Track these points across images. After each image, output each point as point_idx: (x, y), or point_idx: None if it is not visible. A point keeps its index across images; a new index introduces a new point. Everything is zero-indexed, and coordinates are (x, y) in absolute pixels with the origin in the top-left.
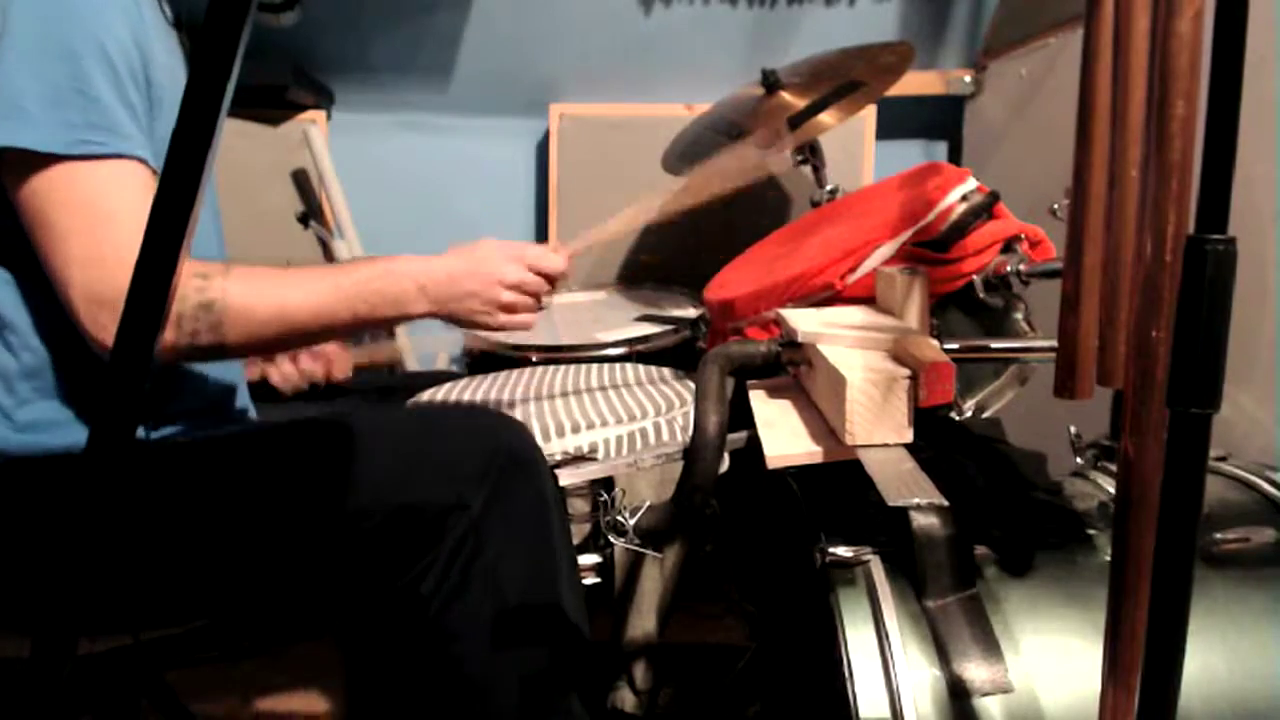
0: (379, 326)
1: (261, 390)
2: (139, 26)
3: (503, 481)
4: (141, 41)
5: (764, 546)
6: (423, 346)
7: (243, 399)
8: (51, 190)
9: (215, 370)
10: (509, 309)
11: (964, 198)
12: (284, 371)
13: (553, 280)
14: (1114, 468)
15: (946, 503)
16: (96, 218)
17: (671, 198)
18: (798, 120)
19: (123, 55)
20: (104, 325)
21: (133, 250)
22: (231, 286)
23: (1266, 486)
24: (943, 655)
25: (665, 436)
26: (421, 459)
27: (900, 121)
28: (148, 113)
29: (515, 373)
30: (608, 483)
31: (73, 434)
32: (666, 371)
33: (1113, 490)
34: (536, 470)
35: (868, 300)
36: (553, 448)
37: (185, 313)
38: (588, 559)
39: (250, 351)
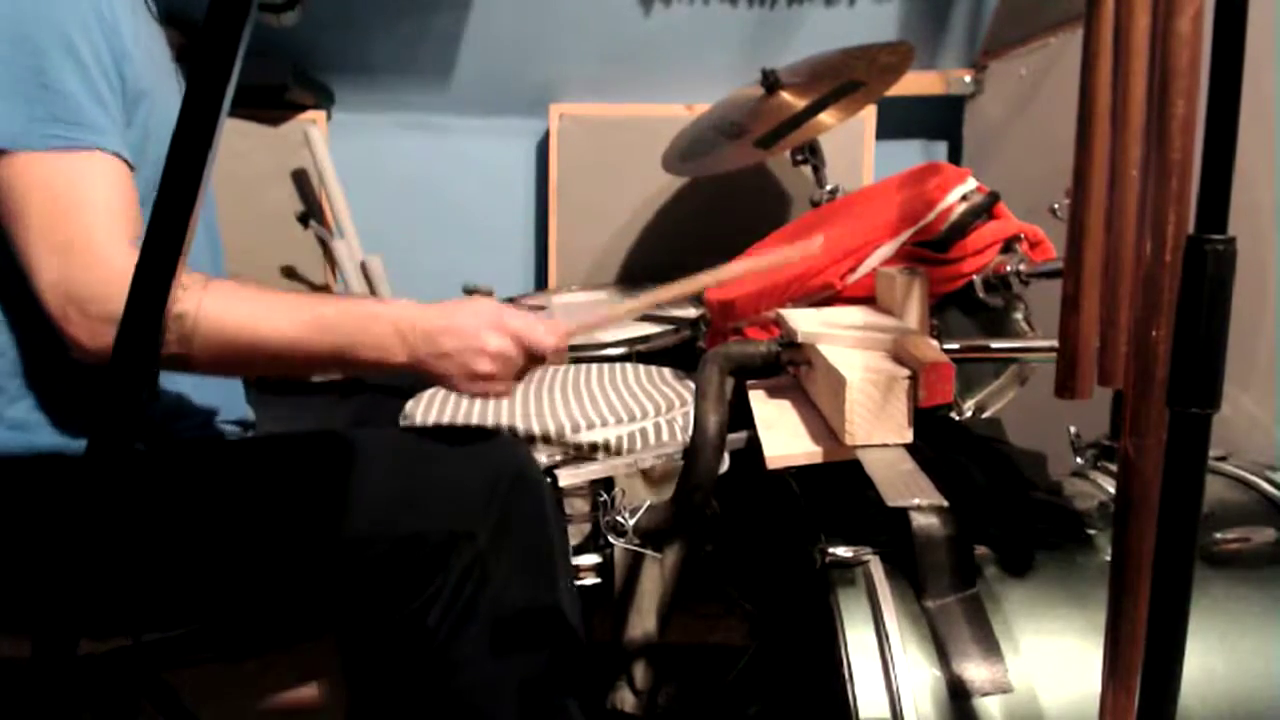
0: (361, 369)
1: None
2: (111, 21)
3: (507, 509)
4: (113, 37)
5: (764, 546)
6: None
7: (240, 408)
8: (18, 184)
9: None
10: (483, 379)
11: (964, 198)
12: None
13: (538, 358)
14: (1114, 468)
15: (946, 503)
16: (63, 210)
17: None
18: None
19: (91, 49)
20: (71, 319)
21: (100, 242)
22: (207, 301)
23: (1266, 486)
24: (943, 655)
25: (665, 436)
26: (426, 487)
27: (900, 121)
28: (121, 107)
29: None
30: (608, 483)
31: (63, 433)
32: (666, 371)
33: (1113, 490)
34: (537, 491)
35: (868, 300)
36: (553, 448)
37: None
38: (587, 559)
39: (216, 370)
